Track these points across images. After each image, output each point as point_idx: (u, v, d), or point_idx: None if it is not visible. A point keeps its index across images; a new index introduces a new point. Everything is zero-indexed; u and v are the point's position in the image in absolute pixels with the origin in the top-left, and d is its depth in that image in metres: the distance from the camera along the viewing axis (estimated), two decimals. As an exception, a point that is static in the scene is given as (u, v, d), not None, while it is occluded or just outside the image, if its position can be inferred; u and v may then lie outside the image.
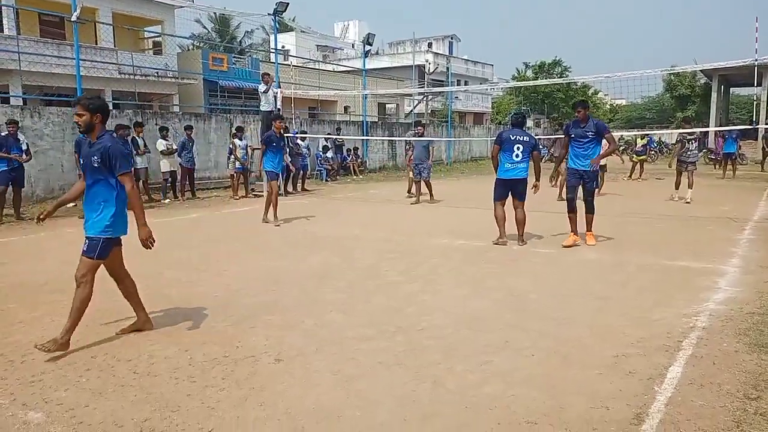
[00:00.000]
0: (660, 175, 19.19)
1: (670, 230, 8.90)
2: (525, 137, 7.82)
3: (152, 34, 27.48)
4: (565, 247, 7.59)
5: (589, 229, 7.85)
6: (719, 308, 4.85)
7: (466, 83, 45.25)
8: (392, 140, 23.68)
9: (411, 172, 13.15)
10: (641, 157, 19.01)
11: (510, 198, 7.87)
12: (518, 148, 7.71)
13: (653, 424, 2.95)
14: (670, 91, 42.28)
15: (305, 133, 17.22)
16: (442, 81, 36.91)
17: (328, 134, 20.06)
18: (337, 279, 6.01)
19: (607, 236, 8.17)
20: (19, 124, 10.88)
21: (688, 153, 12.43)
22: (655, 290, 5.46)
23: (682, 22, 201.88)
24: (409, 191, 13.75)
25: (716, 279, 5.84)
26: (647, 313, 4.77)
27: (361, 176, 20.64)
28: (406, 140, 14.31)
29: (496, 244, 7.86)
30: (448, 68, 34.21)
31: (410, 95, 34.85)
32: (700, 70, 34.33)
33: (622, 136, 29.49)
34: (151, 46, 28.09)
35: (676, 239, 8.13)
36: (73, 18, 12.99)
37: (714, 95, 32.74)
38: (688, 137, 12.49)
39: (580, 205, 7.86)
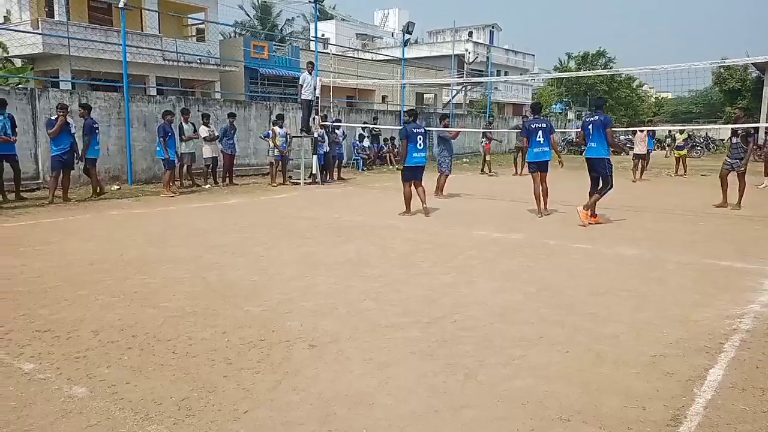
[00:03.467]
0: (706, 171, 18.62)
1: (713, 228, 8.63)
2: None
3: (196, 21, 27.94)
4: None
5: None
6: (764, 311, 4.69)
7: (506, 73, 44.62)
8: (429, 130, 23.55)
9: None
10: (681, 152, 18.43)
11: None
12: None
13: (691, 426, 2.89)
14: (719, 84, 40.74)
15: (339, 121, 17.29)
16: (482, 71, 36.50)
17: (364, 123, 20.07)
18: (372, 267, 6.05)
19: (648, 233, 7.98)
20: (69, 108, 11.23)
21: None
22: (696, 290, 5.31)
23: (734, 12, 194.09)
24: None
25: (761, 280, 5.64)
26: (687, 312, 4.65)
27: (397, 166, 20.62)
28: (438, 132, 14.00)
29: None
30: (488, 58, 33.82)
31: (448, 85, 34.56)
32: (752, 63, 32.96)
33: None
34: (194, 33, 28.58)
35: (720, 238, 7.88)
36: (121, 4, 13.31)
37: (766, 89, 31.43)
38: None
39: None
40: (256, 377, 3.41)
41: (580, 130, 9.29)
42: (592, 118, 8.83)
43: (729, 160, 10.64)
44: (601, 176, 8.77)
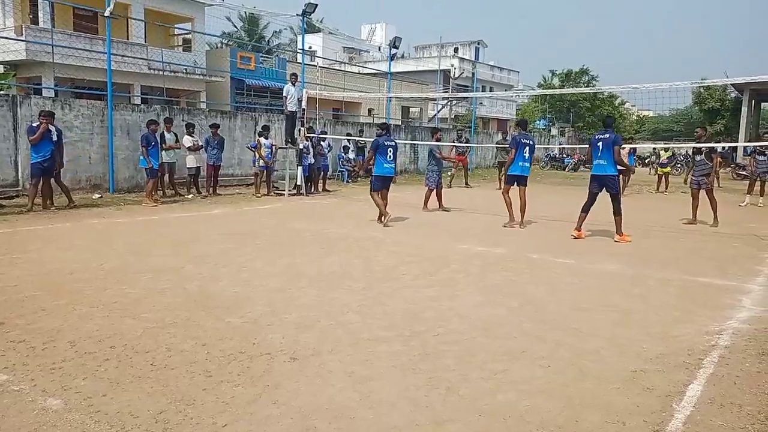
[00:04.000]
0: (686, 189, 18.90)
1: (694, 245, 8.75)
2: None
3: (182, 31, 27.89)
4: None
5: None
6: (742, 327, 4.75)
7: (491, 89, 45.04)
8: (415, 144, 23.67)
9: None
10: (665, 170, 18.75)
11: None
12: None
13: (670, 441, 2.90)
14: (699, 104, 41.56)
15: (325, 133, 17.35)
16: (467, 86, 36.82)
17: (348, 134, 20.11)
18: (355, 280, 6.02)
19: (629, 250, 8.07)
20: (54, 116, 11.07)
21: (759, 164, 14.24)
22: (676, 306, 5.37)
23: (714, 34, 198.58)
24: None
25: (740, 297, 5.72)
26: (668, 328, 4.70)
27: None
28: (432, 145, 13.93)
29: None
30: (473, 73, 34.10)
31: (434, 99, 34.81)
32: (731, 84, 33.69)
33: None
34: (180, 43, 28.52)
35: (700, 255, 7.99)
36: (107, 13, 13.24)
37: (744, 109, 32.15)
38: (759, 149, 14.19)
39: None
40: (235, 390, 3.36)
41: (588, 147, 9.35)
42: (602, 136, 8.87)
43: (695, 178, 11.02)
44: (611, 193, 8.86)
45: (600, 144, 8.83)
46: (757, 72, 11.27)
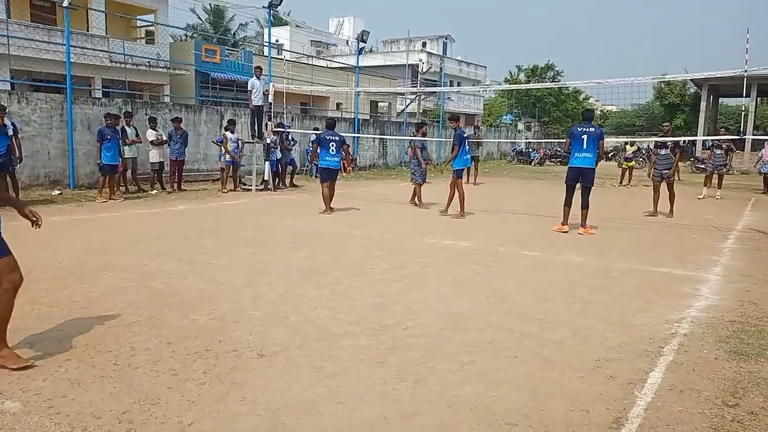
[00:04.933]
0: (648, 182, 19.36)
1: (655, 237, 8.98)
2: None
3: (145, 23, 27.25)
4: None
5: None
6: (701, 315, 4.90)
7: (459, 84, 45.35)
8: (383, 138, 23.67)
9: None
10: (630, 164, 19.18)
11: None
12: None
13: (632, 428, 2.98)
14: (660, 99, 42.54)
15: (285, 127, 17.04)
16: (435, 81, 36.95)
17: (316, 129, 19.98)
18: (324, 275, 6.00)
19: (593, 242, 8.23)
20: (6, 110, 10.71)
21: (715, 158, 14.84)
22: (638, 296, 5.50)
23: (675, 31, 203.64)
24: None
25: (698, 286, 5.90)
26: (629, 318, 4.81)
27: (351, 174, 20.61)
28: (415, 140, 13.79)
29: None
30: (441, 68, 34.28)
31: (403, 94, 34.83)
32: (691, 80, 34.65)
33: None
34: (143, 35, 27.84)
35: (661, 246, 8.20)
36: (65, 3, 12.84)
37: (703, 105, 33.07)
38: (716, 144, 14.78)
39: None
40: (201, 388, 3.31)
41: (568, 139, 9.22)
42: (588, 129, 8.89)
43: (659, 171, 11.32)
44: (588, 186, 8.99)
45: (585, 136, 8.84)
46: (715, 68, 11.57)
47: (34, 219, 3.59)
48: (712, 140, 15.72)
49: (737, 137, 15.79)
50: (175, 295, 5.11)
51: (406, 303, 5.09)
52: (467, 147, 10.70)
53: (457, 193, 10.54)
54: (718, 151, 15.07)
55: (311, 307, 4.88)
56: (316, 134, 19.57)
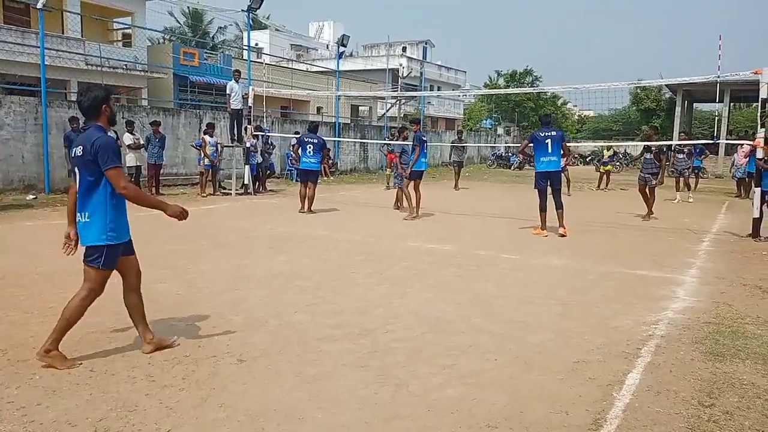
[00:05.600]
0: (624, 185, 19.63)
1: (632, 240, 9.10)
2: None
3: (122, 26, 26.92)
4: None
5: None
6: (677, 317, 4.98)
7: (439, 89, 45.53)
8: (364, 142, 23.66)
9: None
10: (607, 167, 19.44)
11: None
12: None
13: (611, 429, 3.00)
14: (636, 104, 43.23)
15: (262, 130, 16.84)
16: (416, 85, 37.10)
17: (296, 133, 19.91)
18: (304, 279, 5.97)
19: (572, 245, 8.32)
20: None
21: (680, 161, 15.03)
22: (616, 298, 5.57)
23: (650, 37, 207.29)
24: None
25: (675, 288, 5.99)
26: (608, 320, 4.86)
27: (332, 178, 20.56)
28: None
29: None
30: (421, 73, 34.42)
31: (383, 98, 34.91)
32: (666, 85, 35.22)
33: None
34: (120, 38, 27.50)
35: (638, 249, 8.31)
36: (39, 5, 12.64)
37: (678, 110, 33.67)
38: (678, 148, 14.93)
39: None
40: (180, 394, 3.27)
41: (527, 143, 9.38)
42: (550, 133, 9.01)
43: (643, 175, 11.45)
44: (557, 188, 9.17)
45: (549, 141, 8.98)
46: (689, 74, 11.79)
47: None
48: (674, 145, 15.92)
49: (711, 142, 16.08)
50: (154, 301, 5.03)
51: (387, 307, 5.08)
52: (426, 150, 11.00)
53: (413, 195, 10.68)
54: (680, 156, 15.34)
55: (292, 312, 4.85)
56: (296, 137, 19.73)
